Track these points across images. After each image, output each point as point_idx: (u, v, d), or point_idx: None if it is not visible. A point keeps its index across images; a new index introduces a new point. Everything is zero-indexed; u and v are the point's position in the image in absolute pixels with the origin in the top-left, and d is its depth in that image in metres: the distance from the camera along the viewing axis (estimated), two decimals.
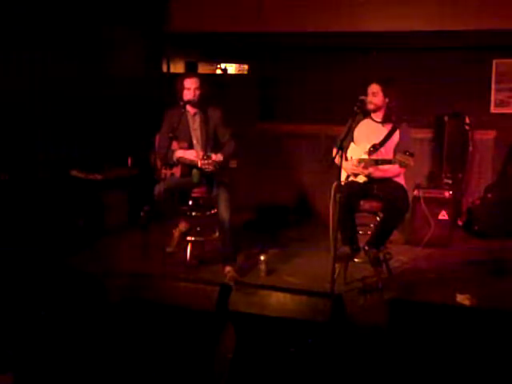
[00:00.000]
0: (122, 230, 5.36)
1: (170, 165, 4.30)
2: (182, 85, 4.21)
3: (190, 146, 4.31)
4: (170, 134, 4.19)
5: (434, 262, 4.73)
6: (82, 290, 3.48)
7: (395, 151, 3.99)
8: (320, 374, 2.75)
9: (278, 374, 2.79)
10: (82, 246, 4.77)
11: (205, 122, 4.29)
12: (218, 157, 4.18)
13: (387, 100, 4.04)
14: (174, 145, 4.28)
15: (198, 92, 4.22)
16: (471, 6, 5.53)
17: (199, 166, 4.14)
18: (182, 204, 4.38)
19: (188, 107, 4.28)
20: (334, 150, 4.04)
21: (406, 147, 3.86)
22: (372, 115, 4.14)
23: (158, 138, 4.47)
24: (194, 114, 4.32)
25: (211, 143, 4.30)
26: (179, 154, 4.25)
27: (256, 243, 4.94)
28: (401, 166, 3.81)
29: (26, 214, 4.67)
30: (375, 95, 4.03)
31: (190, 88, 4.21)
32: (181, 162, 4.25)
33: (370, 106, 4.05)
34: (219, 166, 4.17)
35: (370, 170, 3.96)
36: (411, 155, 3.69)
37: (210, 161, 4.10)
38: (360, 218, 4.16)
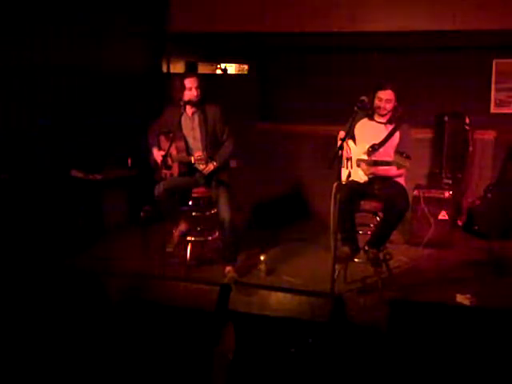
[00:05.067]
0: (122, 230, 5.36)
1: (169, 166, 4.31)
2: (183, 85, 4.19)
3: (187, 146, 4.31)
4: (170, 134, 4.20)
5: (434, 262, 4.73)
6: (81, 290, 3.48)
7: (395, 152, 3.99)
8: (320, 374, 2.75)
9: (278, 374, 2.79)
10: (81, 246, 4.77)
11: (204, 120, 4.28)
12: (213, 164, 4.18)
13: (396, 104, 4.06)
14: (164, 143, 4.29)
15: (198, 91, 4.21)
16: (471, 6, 5.52)
17: (193, 162, 4.14)
18: (182, 204, 4.37)
19: (186, 107, 4.27)
20: (339, 142, 4.01)
21: (405, 148, 3.86)
22: (375, 116, 4.14)
23: (149, 131, 4.45)
24: (193, 114, 4.31)
25: (211, 141, 4.30)
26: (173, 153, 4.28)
27: (256, 243, 4.94)
28: (398, 167, 3.83)
29: (26, 214, 4.67)
30: (389, 102, 4.04)
31: (191, 88, 4.19)
32: (176, 159, 4.25)
33: (383, 111, 4.06)
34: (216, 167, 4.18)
35: (372, 169, 3.97)
36: (408, 157, 3.71)
37: (202, 157, 4.11)
38: (360, 217, 4.16)
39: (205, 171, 4.17)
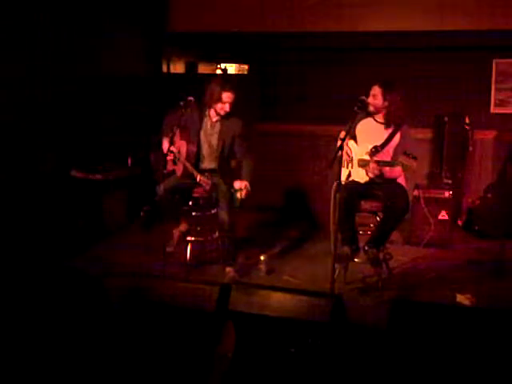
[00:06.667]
0: (122, 231, 5.36)
1: (175, 161, 4.27)
2: (220, 97, 4.11)
3: (199, 151, 4.27)
4: (186, 132, 4.18)
5: (434, 262, 4.72)
6: (81, 290, 3.48)
7: (395, 153, 3.98)
8: (320, 374, 2.75)
9: (278, 374, 2.80)
10: (82, 246, 4.77)
11: (225, 130, 4.24)
12: (247, 188, 4.11)
13: (386, 103, 4.03)
14: (178, 138, 4.25)
15: (230, 107, 4.16)
16: (471, 6, 5.53)
17: (197, 180, 4.12)
18: (182, 204, 4.37)
19: (211, 112, 4.24)
20: (339, 142, 3.99)
21: (406, 149, 3.83)
22: (375, 116, 4.14)
23: (166, 119, 4.37)
24: (216, 121, 4.27)
25: (225, 152, 4.28)
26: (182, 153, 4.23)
27: (256, 243, 4.94)
28: (403, 168, 3.78)
29: (26, 215, 4.67)
30: (375, 98, 4.03)
31: (227, 102, 4.13)
32: (183, 161, 4.22)
33: (371, 108, 4.06)
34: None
35: (382, 169, 3.94)
36: (414, 158, 3.66)
37: (209, 181, 4.11)
38: (360, 218, 4.16)
39: (241, 196, 4.12)
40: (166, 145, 4.24)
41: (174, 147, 4.17)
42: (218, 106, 4.15)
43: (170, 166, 4.30)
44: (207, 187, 4.15)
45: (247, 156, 4.30)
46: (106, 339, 2.99)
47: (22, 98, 4.80)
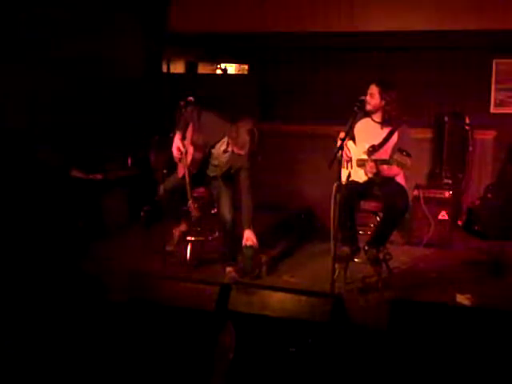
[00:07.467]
0: (122, 231, 5.36)
1: (181, 159, 4.26)
2: (249, 149, 4.02)
3: (205, 159, 4.26)
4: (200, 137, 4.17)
5: (434, 262, 4.72)
6: (82, 290, 3.49)
7: (393, 151, 3.98)
8: (320, 374, 2.76)
9: (278, 374, 2.80)
10: (82, 247, 4.77)
11: (233, 160, 4.20)
12: (249, 237, 4.09)
13: (383, 103, 4.03)
14: (190, 133, 4.24)
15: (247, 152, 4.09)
16: (471, 6, 5.53)
17: (187, 204, 4.11)
18: (182, 204, 4.37)
19: (230, 141, 4.15)
20: (339, 142, 3.98)
21: (403, 148, 3.84)
22: (372, 115, 4.14)
23: (186, 111, 4.26)
24: (229, 152, 4.21)
25: (227, 174, 4.27)
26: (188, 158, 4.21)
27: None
28: (399, 166, 3.80)
29: (27, 215, 4.67)
30: (372, 96, 4.03)
31: (248, 150, 4.04)
32: (185, 167, 4.21)
33: (368, 107, 4.06)
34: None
35: (379, 168, 3.94)
36: (408, 155, 3.68)
37: (198, 208, 4.12)
38: (360, 218, 4.15)
39: (251, 244, 4.12)
40: (178, 137, 4.21)
41: (183, 145, 4.17)
42: (238, 149, 4.07)
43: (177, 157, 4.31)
44: (194, 217, 4.18)
45: (248, 194, 4.17)
46: (106, 339, 2.99)
47: (23, 98, 4.80)
